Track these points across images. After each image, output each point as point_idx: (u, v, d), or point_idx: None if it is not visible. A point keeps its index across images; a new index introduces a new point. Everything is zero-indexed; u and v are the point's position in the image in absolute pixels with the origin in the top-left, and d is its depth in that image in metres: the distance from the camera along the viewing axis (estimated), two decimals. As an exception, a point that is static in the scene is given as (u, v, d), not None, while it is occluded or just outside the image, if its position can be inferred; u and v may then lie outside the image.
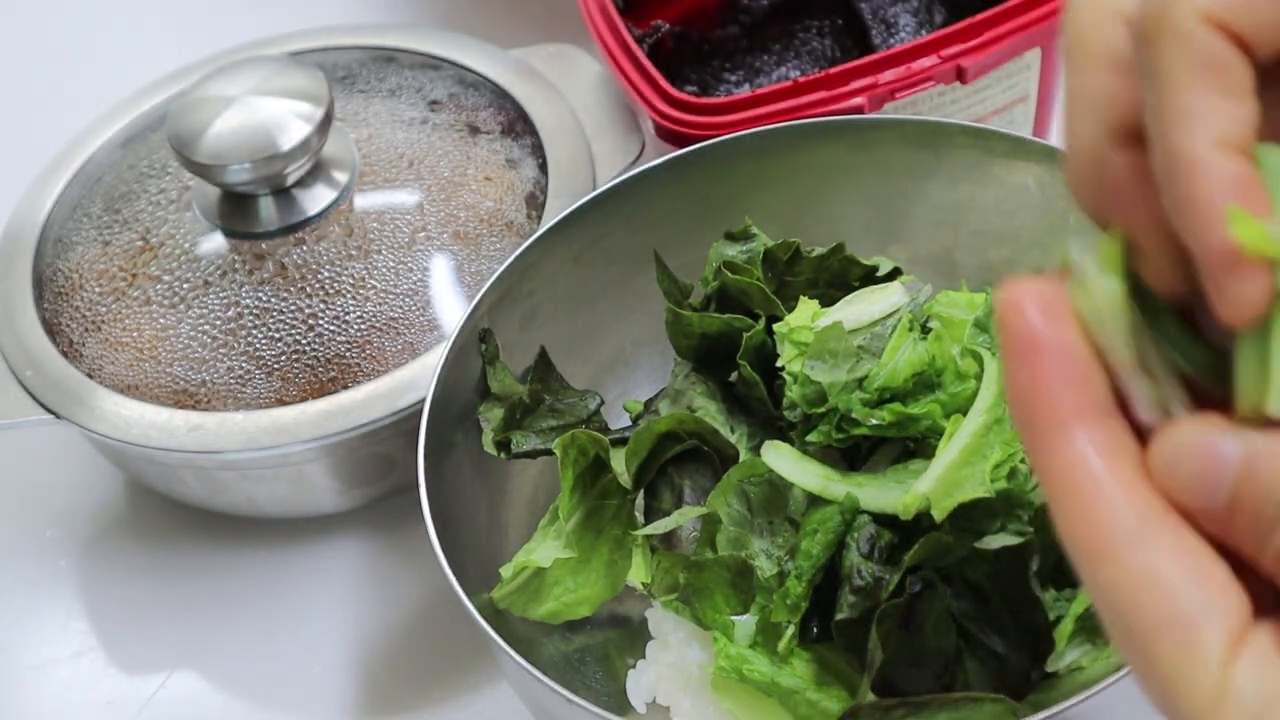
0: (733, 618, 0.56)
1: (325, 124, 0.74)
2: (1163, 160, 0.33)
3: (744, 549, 0.57)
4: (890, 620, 0.52)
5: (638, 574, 0.62)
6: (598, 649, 0.64)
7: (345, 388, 0.71)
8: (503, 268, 0.66)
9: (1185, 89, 0.32)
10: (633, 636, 0.63)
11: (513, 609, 0.61)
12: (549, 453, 0.64)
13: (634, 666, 0.61)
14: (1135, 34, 0.34)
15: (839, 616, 0.53)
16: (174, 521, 0.79)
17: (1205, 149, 0.32)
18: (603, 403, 0.66)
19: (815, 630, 0.56)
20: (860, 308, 0.61)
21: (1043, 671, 0.53)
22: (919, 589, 0.52)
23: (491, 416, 0.64)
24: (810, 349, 0.57)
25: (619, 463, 0.61)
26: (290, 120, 0.73)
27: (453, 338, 0.64)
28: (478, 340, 0.65)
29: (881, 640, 0.52)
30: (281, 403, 0.71)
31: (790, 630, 0.55)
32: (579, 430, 0.62)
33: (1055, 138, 0.84)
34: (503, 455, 0.64)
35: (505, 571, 0.61)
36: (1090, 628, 0.54)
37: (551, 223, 0.67)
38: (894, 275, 0.64)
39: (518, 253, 0.67)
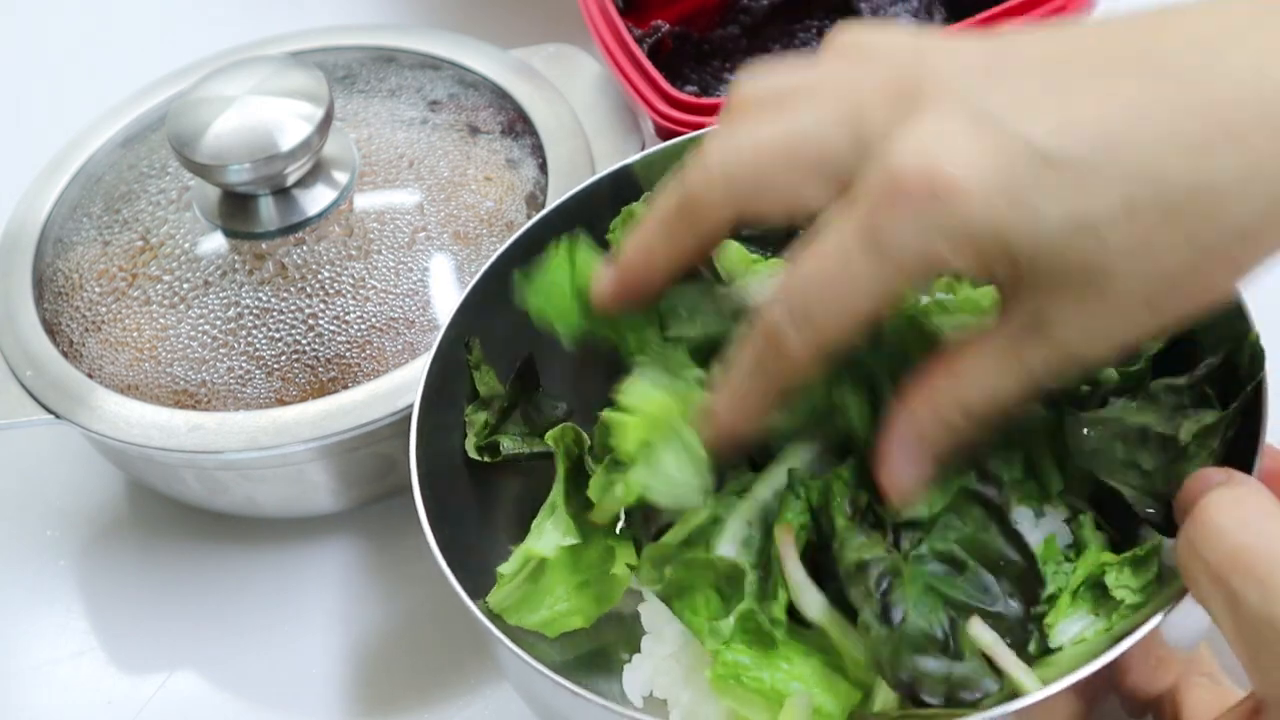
0: (711, 621, 0.56)
1: (325, 124, 0.74)
2: None
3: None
4: (877, 625, 0.52)
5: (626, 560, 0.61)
6: (592, 644, 0.63)
7: (345, 388, 0.71)
8: (490, 261, 0.66)
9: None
10: (626, 631, 0.63)
11: (507, 615, 0.60)
12: (525, 458, 0.64)
13: (629, 661, 0.61)
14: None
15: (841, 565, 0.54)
16: (174, 521, 0.79)
17: None
18: (572, 411, 0.66)
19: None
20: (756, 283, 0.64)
21: (1044, 645, 0.53)
22: (886, 583, 0.52)
23: (475, 420, 0.64)
24: None
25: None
26: (290, 120, 0.73)
27: (443, 330, 0.64)
28: (463, 346, 0.65)
29: (879, 648, 0.52)
30: (281, 403, 0.71)
31: (781, 602, 0.55)
32: (568, 425, 0.62)
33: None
34: (486, 458, 0.64)
35: (505, 569, 0.61)
36: (1092, 597, 0.54)
37: (540, 215, 0.67)
38: None
39: (506, 245, 0.66)
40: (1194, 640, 0.54)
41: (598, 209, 0.68)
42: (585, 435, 0.62)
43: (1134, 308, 0.48)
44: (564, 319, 0.61)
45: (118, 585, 0.78)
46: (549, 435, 0.62)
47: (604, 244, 0.66)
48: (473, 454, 0.64)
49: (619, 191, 0.68)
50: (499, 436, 0.64)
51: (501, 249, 0.66)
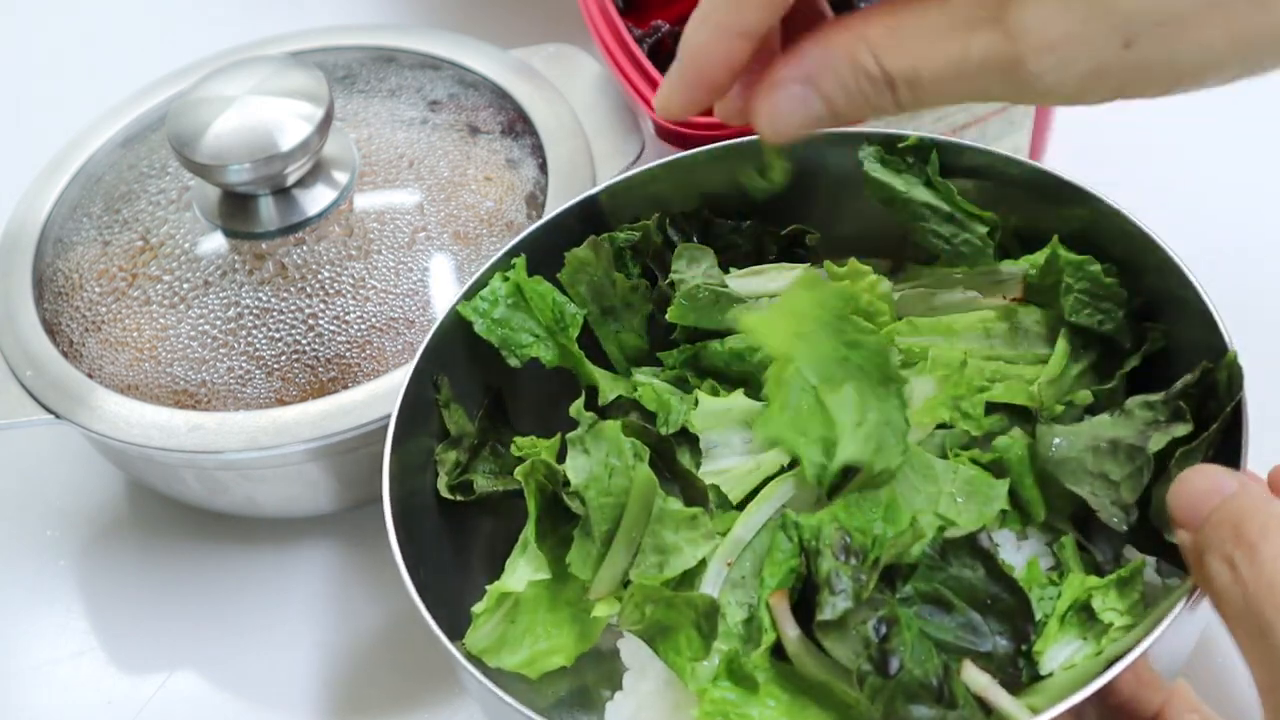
0: (694, 663, 0.56)
1: (325, 124, 0.74)
2: None
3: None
4: (872, 674, 0.52)
5: (607, 608, 0.61)
6: (572, 683, 0.63)
7: (345, 388, 0.71)
8: (483, 270, 0.66)
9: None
10: (607, 667, 0.62)
11: (486, 657, 0.60)
12: (498, 495, 0.63)
13: (611, 698, 0.60)
14: None
15: (821, 618, 0.53)
16: (174, 521, 0.79)
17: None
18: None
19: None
20: (760, 280, 0.66)
21: (1034, 672, 0.53)
22: (884, 631, 0.52)
23: (446, 459, 0.64)
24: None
25: (575, 502, 0.60)
26: (290, 120, 0.73)
27: (429, 337, 0.64)
28: (431, 385, 0.64)
29: (873, 698, 0.52)
30: (281, 403, 0.71)
31: (764, 648, 0.55)
32: (538, 459, 0.61)
33: (1054, 138, 0.84)
34: (458, 498, 0.64)
35: (479, 608, 0.60)
36: (1079, 621, 0.54)
37: (540, 223, 0.67)
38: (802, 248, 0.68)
39: (499, 254, 0.66)
40: (1181, 660, 0.54)
41: (623, 206, 0.68)
42: (557, 469, 0.61)
43: (1101, 26, 0.42)
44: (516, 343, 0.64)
45: (118, 585, 0.78)
46: (518, 471, 0.61)
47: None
48: (445, 493, 0.63)
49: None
50: (471, 475, 0.64)
51: (500, 252, 0.66)
